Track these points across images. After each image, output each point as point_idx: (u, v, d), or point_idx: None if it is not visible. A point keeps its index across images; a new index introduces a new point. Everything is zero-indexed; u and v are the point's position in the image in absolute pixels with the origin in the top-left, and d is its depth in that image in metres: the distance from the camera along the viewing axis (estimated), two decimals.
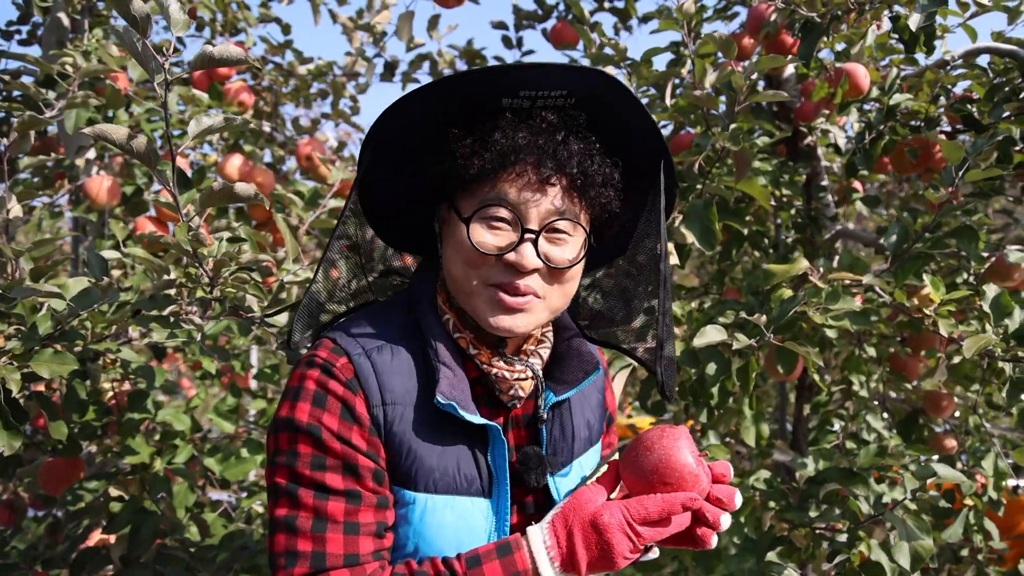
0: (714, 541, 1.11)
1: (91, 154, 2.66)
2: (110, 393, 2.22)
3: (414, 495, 1.10)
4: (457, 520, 1.11)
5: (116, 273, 2.23)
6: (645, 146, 1.19)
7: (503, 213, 1.09)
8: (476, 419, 1.11)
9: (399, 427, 1.10)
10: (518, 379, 1.17)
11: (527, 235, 1.09)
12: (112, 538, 2.19)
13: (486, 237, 1.09)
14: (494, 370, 1.16)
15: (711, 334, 2.03)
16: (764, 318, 2.03)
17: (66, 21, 2.51)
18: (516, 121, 1.10)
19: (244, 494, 3.07)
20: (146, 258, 1.58)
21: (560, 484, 1.21)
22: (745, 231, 2.40)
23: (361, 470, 1.07)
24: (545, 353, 1.24)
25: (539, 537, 1.05)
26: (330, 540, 1.04)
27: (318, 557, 1.03)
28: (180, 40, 1.25)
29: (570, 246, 1.14)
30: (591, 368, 1.26)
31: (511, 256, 1.09)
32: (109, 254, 1.78)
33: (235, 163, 3.00)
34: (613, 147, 1.17)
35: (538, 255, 1.10)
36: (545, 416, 1.21)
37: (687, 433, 1.08)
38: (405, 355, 1.14)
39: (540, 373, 1.21)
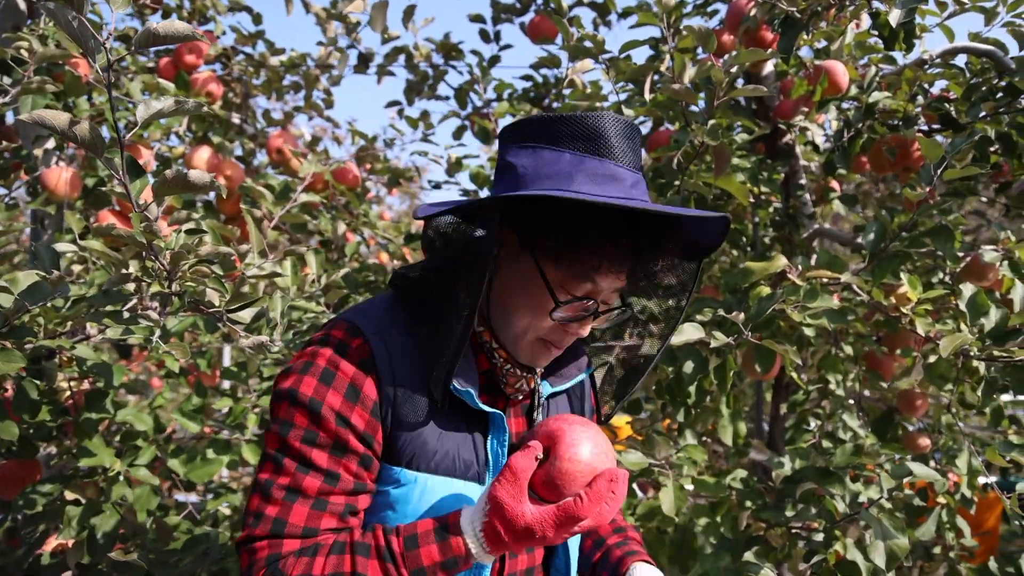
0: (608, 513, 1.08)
1: (50, 143, 2.57)
2: (67, 392, 2.14)
3: (415, 475, 1.13)
4: (454, 503, 1.14)
5: (77, 268, 2.16)
6: (697, 251, 1.30)
7: (589, 300, 1.17)
8: (484, 407, 1.17)
9: (406, 408, 1.14)
10: (525, 375, 1.25)
11: (593, 316, 1.19)
12: (70, 543, 2.12)
13: (565, 315, 1.17)
14: (508, 366, 1.23)
15: (689, 332, 1.99)
16: (742, 316, 2.00)
17: (22, 5, 2.41)
18: (637, 233, 1.13)
19: (211, 496, 2.99)
20: (103, 252, 1.51)
21: None
22: None
23: (349, 453, 1.10)
24: None
25: (468, 520, 1.06)
26: (295, 511, 1.07)
27: (278, 523, 1.07)
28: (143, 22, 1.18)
29: (610, 314, 1.25)
30: (584, 366, 1.38)
31: (574, 327, 1.19)
32: (64, 247, 1.71)
33: (203, 155, 2.93)
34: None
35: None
36: (541, 409, 1.29)
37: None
38: (413, 341, 1.18)
39: (539, 372, 1.29)
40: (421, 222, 1.34)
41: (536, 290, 1.16)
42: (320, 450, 1.09)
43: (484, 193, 3.33)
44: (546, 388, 1.31)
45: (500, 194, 1.11)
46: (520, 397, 1.27)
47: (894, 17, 2.02)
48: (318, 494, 1.08)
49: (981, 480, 2.79)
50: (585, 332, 1.21)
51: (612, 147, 1.14)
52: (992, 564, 2.63)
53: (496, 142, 3.06)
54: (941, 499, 2.52)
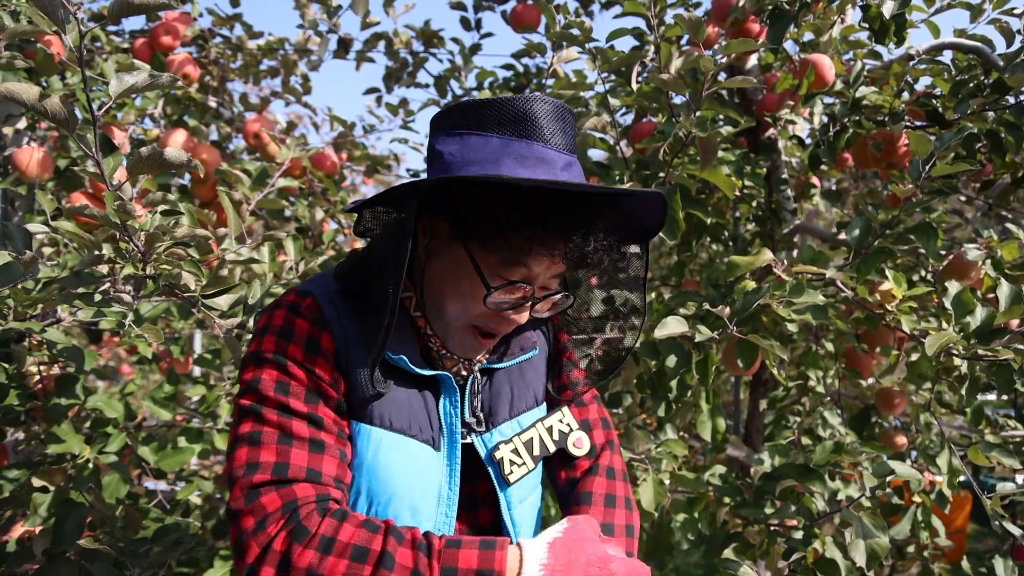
0: None
1: (21, 123, 2.49)
2: (36, 377, 2.08)
3: (369, 429, 1.12)
4: (408, 463, 1.13)
5: (48, 251, 2.09)
6: (643, 230, 1.27)
7: (522, 284, 1.14)
8: (426, 371, 1.17)
9: (358, 365, 1.12)
10: (461, 360, 1.24)
11: (529, 301, 1.16)
12: (37, 530, 2.06)
13: (500, 301, 1.14)
14: (443, 351, 1.22)
15: (672, 326, 1.97)
16: (728, 310, 1.98)
17: None
18: (566, 213, 1.10)
19: (181, 484, 2.93)
20: (75, 233, 1.45)
21: (490, 440, 1.26)
22: (708, 220, 2.35)
23: (323, 397, 1.10)
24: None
25: (535, 549, 1.02)
26: (294, 453, 1.04)
27: (280, 467, 1.02)
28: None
29: (550, 301, 1.22)
30: (528, 346, 1.35)
31: (510, 314, 1.16)
32: (36, 228, 1.65)
33: (178, 139, 2.86)
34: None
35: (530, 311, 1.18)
36: (471, 381, 1.26)
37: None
38: (362, 309, 1.16)
39: (476, 364, 1.27)
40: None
41: (467, 277, 1.14)
42: (296, 398, 1.08)
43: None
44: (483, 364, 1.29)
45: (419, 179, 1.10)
46: (460, 380, 1.26)
47: (887, 8, 2.01)
48: (311, 435, 1.06)
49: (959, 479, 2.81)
50: (523, 319, 1.18)
51: (540, 129, 1.11)
52: (965, 564, 2.64)
53: None
54: (917, 498, 2.52)
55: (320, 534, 0.97)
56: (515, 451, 1.25)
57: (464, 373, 1.25)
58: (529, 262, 1.12)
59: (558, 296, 1.21)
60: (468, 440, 1.23)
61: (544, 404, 1.39)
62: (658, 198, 1.19)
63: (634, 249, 1.33)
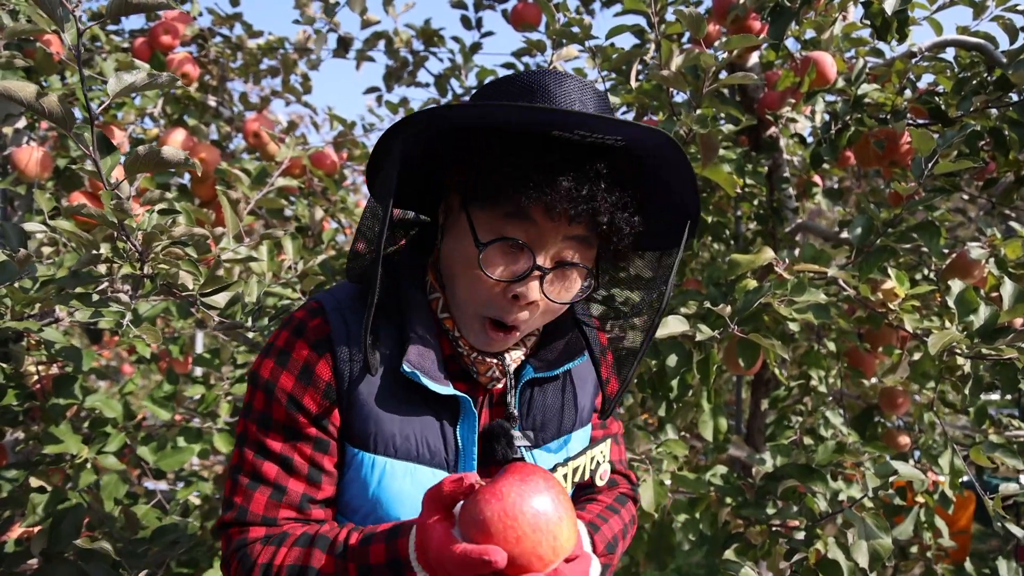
0: None
1: (21, 123, 2.49)
2: (35, 376, 2.07)
3: (372, 457, 1.10)
4: (415, 489, 1.10)
5: (47, 250, 2.09)
6: (679, 205, 1.14)
7: (520, 243, 1.05)
8: (444, 389, 1.10)
9: (365, 387, 1.10)
10: (495, 361, 1.17)
11: (537, 271, 1.06)
12: (35, 530, 2.05)
13: (499, 265, 1.06)
14: (474, 354, 1.15)
15: (673, 325, 1.96)
16: (729, 309, 1.97)
17: None
18: (563, 157, 1.01)
19: (181, 485, 2.92)
20: (73, 232, 1.45)
21: (541, 459, 1.22)
22: (709, 219, 2.34)
23: (303, 437, 1.11)
24: (531, 341, 1.23)
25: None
26: (255, 500, 1.10)
27: (242, 511, 1.10)
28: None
29: (574, 283, 1.12)
30: (576, 352, 1.24)
31: (517, 287, 1.06)
32: (33, 227, 1.65)
33: (177, 138, 2.85)
34: (646, 195, 1.11)
35: (541, 289, 1.07)
36: (515, 393, 1.20)
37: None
38: (383, 321, 1.14)
39: (511, 366, 1.19)
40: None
41: (468, 243, 1.07)
42: (275, 434, 1.11)
43: None
44: (529, 373, 1.20)
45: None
46: (499, 385, 1.18)
47: (889, 5, 1.99)
48: (275, 480, 1.10)
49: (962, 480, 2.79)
50: (532, 295, 1.06)
51: (553, 97, 1.04)
52: (968, 565, 2.63)
53: None
54: (920, 498, 2.51)
55: (259, 563, 1.06)
56: (565, 476, 1.21)
57: (499, 375, 1.17)
58: (531, 212, 1.03)
59: (573, 273, 1.10)
60: (518, 456, 1.16)
61: (589, 425, 1.33)
62: (664, 140, 1.02)
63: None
